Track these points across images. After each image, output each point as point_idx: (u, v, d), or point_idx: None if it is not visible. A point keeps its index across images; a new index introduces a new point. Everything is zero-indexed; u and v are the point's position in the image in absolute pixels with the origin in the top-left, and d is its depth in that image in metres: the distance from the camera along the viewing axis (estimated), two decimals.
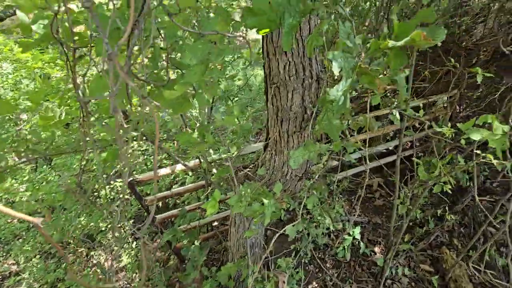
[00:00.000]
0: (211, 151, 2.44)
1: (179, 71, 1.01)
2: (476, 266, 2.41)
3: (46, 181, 3.64)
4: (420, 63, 3.17)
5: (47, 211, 3.35)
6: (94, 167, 3.31)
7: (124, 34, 0.52)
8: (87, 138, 1.25)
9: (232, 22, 0.96)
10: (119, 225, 3.96)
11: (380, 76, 0.80)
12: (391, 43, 0.68)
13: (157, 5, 0.74)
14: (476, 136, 1.01)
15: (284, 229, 1.36)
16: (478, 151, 1.21)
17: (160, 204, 4.26)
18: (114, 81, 0.66)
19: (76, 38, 1.17)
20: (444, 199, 3.21)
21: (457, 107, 4.09)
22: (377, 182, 3.89)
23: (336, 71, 0.87)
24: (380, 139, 3.68)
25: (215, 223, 3.85)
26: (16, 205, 4.11)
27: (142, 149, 4.05)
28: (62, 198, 3.02)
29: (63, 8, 0.86)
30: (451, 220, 3.02)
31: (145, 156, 4.04)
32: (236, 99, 5.96)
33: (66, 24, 0.86)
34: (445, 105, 3.41)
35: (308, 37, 1.03)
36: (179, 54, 1.04)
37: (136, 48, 1.01)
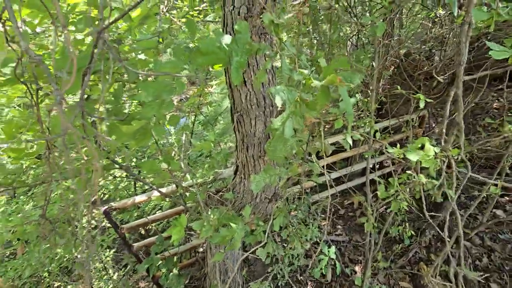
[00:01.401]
0: (188, 176, 2.48)
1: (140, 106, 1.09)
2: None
3: (21, 211, 3.53)
4: (387, 86, 3.39)
5: (20, 243, 3.23)
6: (71, 195, 3.26)
7: (67, 84, 0.60)
8: (55, 169, 1.29)
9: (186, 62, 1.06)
10: (96, 256, 3.83)
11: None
12: (314, 82, 0.79)
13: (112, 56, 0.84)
14: (413, 157, 1.12)
15: (251, 250, 1.39)
16: (410, 172, 1.32)
17: (142, 231, 4.17)
18: (67, 119, 0.72)
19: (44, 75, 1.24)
20: (420, 215, 3.30)
21: (432, 124, 4.32)
22: (358, 200, 3.96)
23: (279, 103, 0.97)
24: (357, 158, 3.80)
25: (201, 249, 3.77)
26: None
27: (123, 175, 4.03)
28: (30, 228, 2.94)
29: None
30: (427, 235, 3.09)
31: (126, 182, 4.01)
32: (221, 121, 6.09)
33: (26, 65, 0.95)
34: (415, 124, 3.61)
35: (257, 73, 1.14)
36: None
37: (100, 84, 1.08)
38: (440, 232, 1.49)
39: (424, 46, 3.81)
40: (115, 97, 1.11)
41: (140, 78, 1.19)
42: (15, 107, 4.14)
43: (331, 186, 2.05)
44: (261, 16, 1.23)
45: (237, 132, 1.63)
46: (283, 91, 1.02)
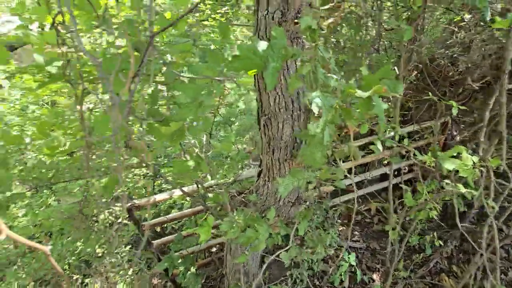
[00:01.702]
0: (208, 176, 2.51)
1: (176, 106, 1.12)
2: None
3: (45, 205, 3.67)
4: (410, 92, 3.32)
5: (45, 236, 3.36)
6: (94, 192, 3.37)
7: (126, 85, 0.63)
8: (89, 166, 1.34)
9: (223, 64, 1.08)
10: (116, 251, 3.92)
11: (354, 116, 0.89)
12: (358, 93, 0.79)
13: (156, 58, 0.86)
14: (449, 166, 1.09)
15: (276, 254, 1.39)
16: (447, 181, 1.28)
17: (158, 229, 4.24)
18: (116, 122, 0.75)
19: (85, 75, 1.30)
20: (442, 224, 3.21)
21: (454, 131, 4.19)
22: (375, 207, 3.89)
23: (315, 110, 0.97)
24: (376, 164, 3.74)
25: (214, 249, 3.80)
26: (14, 230, 4.11)
27: (142, 173, 4.12)
28: (60, 223, 3.05)
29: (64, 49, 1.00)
30: (449, 246, 3.00)
31: (144, 180, 4.10)
32: (236, 123, 6.13)
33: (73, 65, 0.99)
34: (438, 131, 3.51)
35: (291, 77, 1.15)
36: (176, 92, 1.16)
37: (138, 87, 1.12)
38: (473, 243, 1.44)
39: (448, 51, 3.71)
40: (152, 98, 1.14)
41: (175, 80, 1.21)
42: (43, 105, 4.31)
43: (350, 191, 2.02)
44: (295, 20, 1.24)
45: (263, 135, 1.64)
46: (319, 97, 1.02)
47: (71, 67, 1.03)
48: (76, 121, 2.16)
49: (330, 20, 0.98)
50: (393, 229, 1.79)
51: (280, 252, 1.46)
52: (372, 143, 1.70)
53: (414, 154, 1.53)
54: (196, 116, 1.04)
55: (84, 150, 1.16)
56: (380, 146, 1.33)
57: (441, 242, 2.33)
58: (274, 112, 1.52)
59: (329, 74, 1.11)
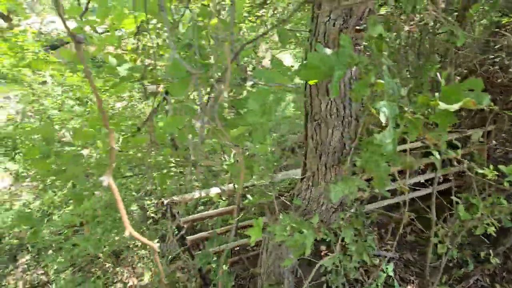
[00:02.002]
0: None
1: (238, 111, 1.16)
2: None
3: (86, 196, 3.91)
4: None
5: (86, 226, 3.57)
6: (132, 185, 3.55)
7: (225, 89, 0.67)
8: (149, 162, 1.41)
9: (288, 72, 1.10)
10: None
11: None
12: (442, 105, 0.77)
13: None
14: None
15: (324, 260, 1.39)
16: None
17: (186, 225, 4.36)
18: (201, 124, 0.79)
19: (150, 77, 1.36)
20: (484, 239, 3.04)
21: (494, 142, 3.95)
22: (408, 216, 3.75)
23: (383, 120, 0.97)
24: (412, 172, 3.60)
25: (237, 248, 3.84)
26: (55, 218, 4.41)
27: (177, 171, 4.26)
28: (101, 213, 3.24)
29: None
30: (493, 263, 2.83)
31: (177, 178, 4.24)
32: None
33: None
34: (481, 140, 3.33)
35: (355, 85, 1.15)
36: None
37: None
38: None
39: (494, 56, 3.49)
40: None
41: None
42: (87, 102, 4.58)
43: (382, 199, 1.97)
44: (357, 27, 1.24)
45: (310, 140, 1.65)
46: (385, 105, 1.01)
47: (145, 70, 1.09)
48: (125, 119, 2.28)
49: (406, 28, 0.97)
50: (440, 242, 1.73)
51: (324, 260, 1.46)
52: (410, 150, 1.61)
53: (470, 164, 1.46)
54: (264, 121, 1.07)
55: (148, 148, 1.23)
56: (438, 156, 1.29)
57: (497, 260, 2.20)
58: (324, 117, 1.52)
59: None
